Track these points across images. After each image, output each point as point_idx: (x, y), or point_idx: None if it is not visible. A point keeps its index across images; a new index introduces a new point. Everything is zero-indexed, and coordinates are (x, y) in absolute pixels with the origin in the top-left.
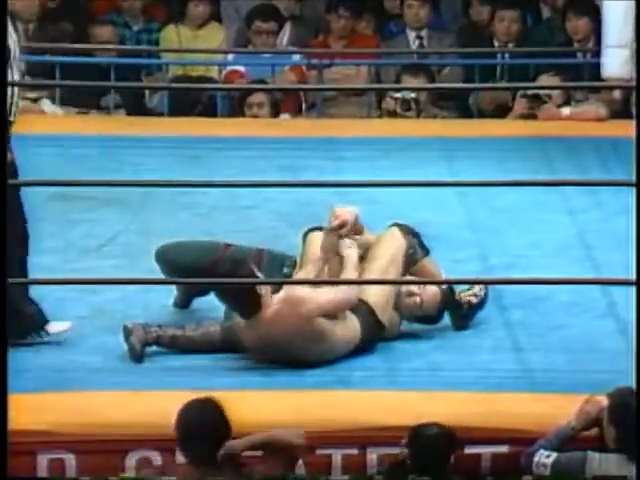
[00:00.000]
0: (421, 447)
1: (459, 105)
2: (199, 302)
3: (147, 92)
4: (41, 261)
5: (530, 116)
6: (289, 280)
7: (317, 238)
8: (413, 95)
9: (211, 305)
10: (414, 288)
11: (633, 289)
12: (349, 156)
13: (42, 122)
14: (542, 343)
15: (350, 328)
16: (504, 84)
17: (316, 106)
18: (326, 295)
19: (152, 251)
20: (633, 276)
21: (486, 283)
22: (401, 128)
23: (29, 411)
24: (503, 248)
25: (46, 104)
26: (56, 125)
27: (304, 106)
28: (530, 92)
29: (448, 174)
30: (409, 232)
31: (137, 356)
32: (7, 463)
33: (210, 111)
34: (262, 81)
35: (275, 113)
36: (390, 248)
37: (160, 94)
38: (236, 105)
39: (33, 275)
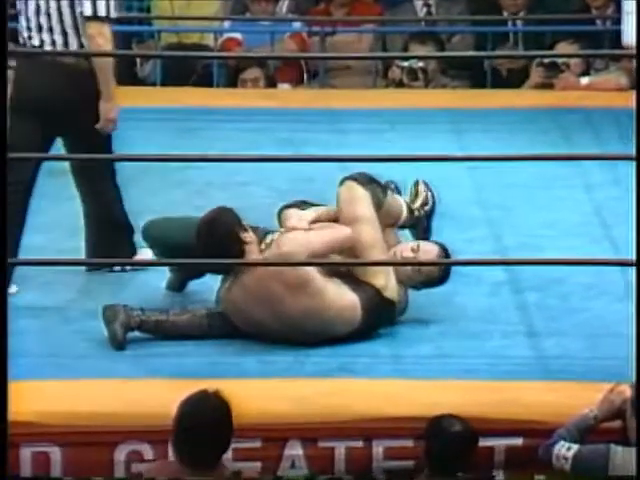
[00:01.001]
0: (442, 443)
1: (471, 74)
2: (195, 284)
3: (138, 61)
4: (29, 240)
5: (547, 86)
6: (284, 262)
7: (293, 213)
8: (421, 64)
9: (208, 287)
10: (408, 251)
11: (633, 270)
12: (353, 129)
13: None
14: (557, 328)
15: (347, 299)
16: (519, 52)
17: (318, 76)
18: (318, 237)
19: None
20: (633, 257)
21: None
22: (408, 99)
23: (10, 401)
24: (516, 227)
25: None
26: None
27: (305, 76)
28: (547, 61)
29: (458, 148)
30: (366, 181)
31: (119, 342)
32: (7, 463)
33: (205, 81)
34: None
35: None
36: (359, 208)
37: (152, 63)
38: (232, 75)
39: (21, 254)
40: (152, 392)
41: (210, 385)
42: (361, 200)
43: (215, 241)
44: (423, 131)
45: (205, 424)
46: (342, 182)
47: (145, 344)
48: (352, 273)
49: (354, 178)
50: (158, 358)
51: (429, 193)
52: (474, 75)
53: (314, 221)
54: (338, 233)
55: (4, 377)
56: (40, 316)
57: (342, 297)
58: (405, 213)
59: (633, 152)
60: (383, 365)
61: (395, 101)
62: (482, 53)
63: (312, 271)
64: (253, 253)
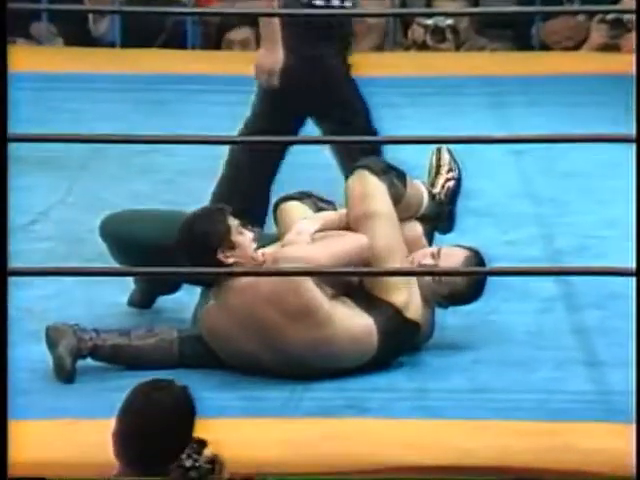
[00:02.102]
0: None
1: (514, 34)
2: (165, 300)
3: (91, 17)
4: None
5: (611, 47)
6: (280, 271)
7: (293, 208)
8: (449, 21)
9: (181, 304)
10: (427, 258)
11: (633, 280)
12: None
13: None
14: (623, 356)
15: (360, 325)
16: (575, 7)
17: None
18: (326, 252)
19: (97, 230)
20: (633, 266)
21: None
22: (434, 65)
23: None
24: (571, 226)
25: None
26: None
27: None
28: (611, 17)
29: (498, 126)
30: (381, 170)
31: (66, 374)
32: (7, 463)
33: (177, 42)
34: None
35: None
36: (374, 204)
37: (109, 19)
38: (212, 36)
39: None
40: (105, 435)
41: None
42: (376, 194)
43: (198, 247)
44: (453, 105)
45: (162, 417)
46: (352, 171)
47: (100, 375)
48: (365, 288)
49: (367, 166)
50: (116, 393)
51: (454, 164)
52: (518, 35)
53: (320, 231)
54: (352, 244)
55: (4, 380)
56: None
57: (355, 322)
58: (426, 201)
59: (633, 133)
60: (403, 401)
61: (417, 67)
62: (527, 8)
63: (318, 297)
64: (245, 264)
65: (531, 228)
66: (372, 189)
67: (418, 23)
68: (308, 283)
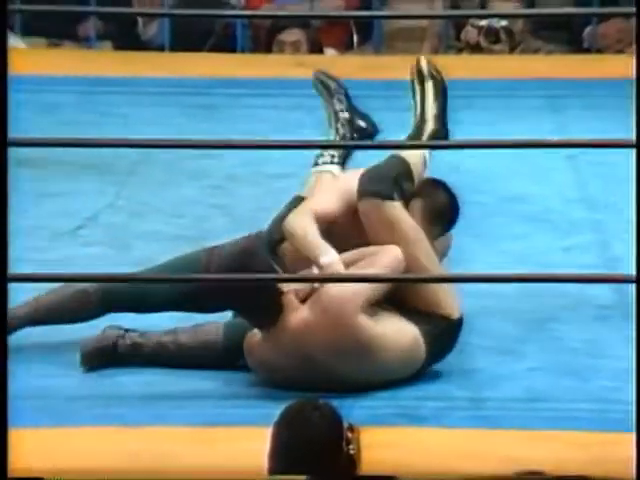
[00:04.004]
0: None
1: (571, 36)
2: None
3: (140, 19)
4: None
5: None
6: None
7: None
8: (504, 23)
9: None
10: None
11: (633, 287)
12: None
13: None
14: None
15: (408, 336)
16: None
17: (372, 39)
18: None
19: (146, 235)
20: (633, 273)
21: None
22: (487, 67)
23: None
24: (628, 232)
25: None
26: (17, 62)
27: (355, 39)
28: None
29: (554, 130)
30: (388, 186)
31: (90, 360)
32: (7, 464)
33: (227, 45)
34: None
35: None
36: (397, 234)
37: (159, 22)
38: (262, 39)
39: None
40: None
41: (228, 435)
42: (394, 221)
43: (249, 286)
44: (509, 109)
45: (319, 438)
46: (359, 199)
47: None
48: (403, 297)
49: (374, 193)
50: (161, 401)
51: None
52: (574, 37)
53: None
54: (388, 262)
55: (4, 380)
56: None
57: (403, 337)
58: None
59: (633, 138)
60: (457, 410)
61: (470, 70)
62: (584, 10)
63: (371, 328)
64: (292, 304)
65: (587, 234)
66: (389, 219)
67: (472, 24)
68: (361, 318)
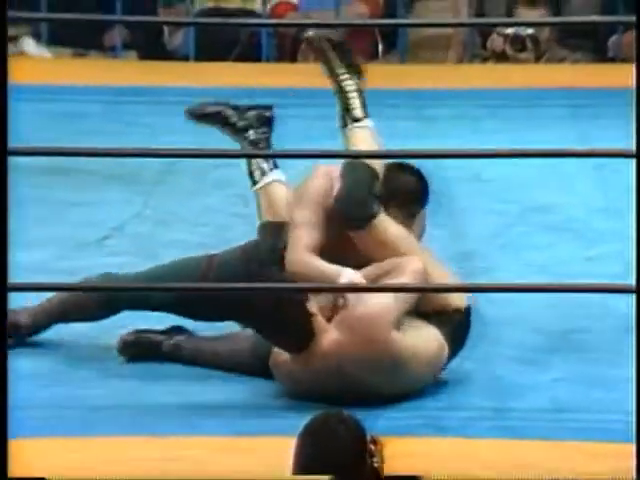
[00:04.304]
0: None
1: (596, 45)
2: None
3: (166, 29)
4: (26, 257)
5: None
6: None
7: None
8: (530, 31)
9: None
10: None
11: (633, 297)
12: (442, 115)
13: (24, 68)
14: None
15: (433, 342)
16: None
17: (397, 48)
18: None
19: (172, 244)
20: (633, 283)
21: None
22: (513, 76)
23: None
24: None
25: (29, 44)
26: (43, 72)
27: (381, 48)
28: None
29: (578, 139)
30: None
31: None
32: (7, 463)
33: (252, 55)
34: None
35: None
36: (396, 245)
37: (184, 32)
38: (287, 48)
39: (15, 276)
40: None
41: (256, 445)
42: (387, 236)
43: (282, 314)
44: (533, 118)
45: (338, 451)
46: (346, 226)
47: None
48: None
49: (359, 218)
50: (190, 410)
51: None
52: (600, 46)
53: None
54: (412, 276)
55: (4, 381)
56: (47, 355)
57: (430, 342)
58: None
59: (633, 148)
60: (483, 421)
61: (496, 79)
62: (609, 18)
63: (402, 342)
64: (322, 326)
65: (612, 244)
66: (379, 235)
67: (497, 32)
68: (393, 334)
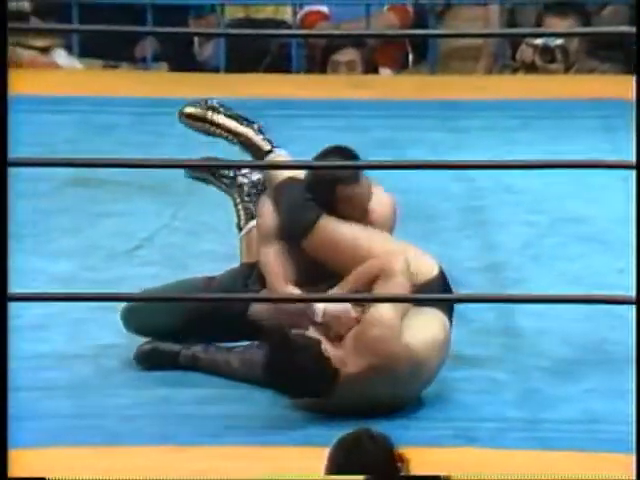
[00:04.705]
0: None
1: (626, 56)
2: None
3: (196, 40)
4: (55, 267)
5: None
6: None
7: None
8: (559, 42)
9: None
10: None
11: (633, 308)
12: (473, 126)
13: (55, 79)
14: None
15: (440, 327)
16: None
17: (428, 58)
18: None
19: (202, 255)
20: (633, 294)
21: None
22: (544, 88)
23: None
24: None
25: (60, 55)
26: (74, 83)
27: (411, 59)
28: None
29: (610, 151)
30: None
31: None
32: (7, 463)
33: (282, 65)
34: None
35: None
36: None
37: (214, 43)
38: (317, 59)
39: (44, 286)
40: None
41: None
42: (336, 236)
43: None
44: (564, 129)
45: (368, 467)
46: (298, 240)
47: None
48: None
49: (302, 227)
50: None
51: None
52: (629, 56)
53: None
54: (401, 276)
55: (3, 379)
56: (71, 366)
57: (436, 327)
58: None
59: (633, 160)
60: (514, 432)
61: (525, 90)
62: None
63: (415, 340)
64: (337, 361)
65: None
66: (329, 237)
67: (527, 43)
68: (405, 337)
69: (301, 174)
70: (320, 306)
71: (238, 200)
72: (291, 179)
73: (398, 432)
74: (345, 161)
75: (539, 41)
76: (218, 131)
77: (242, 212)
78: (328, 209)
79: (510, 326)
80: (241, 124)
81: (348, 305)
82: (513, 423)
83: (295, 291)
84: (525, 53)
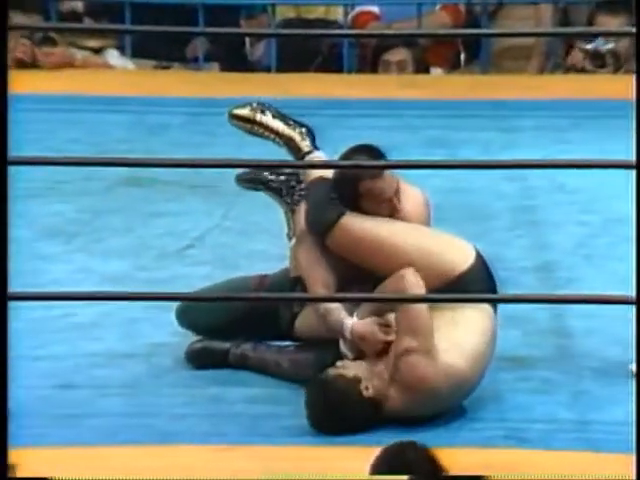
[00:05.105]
0: None
1: None
2: None
3: (248, 41)
4: (106, 267)
5: None
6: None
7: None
8: (610, 46)
9: None
10: None
11: (633, 308)
12: (524, 125)
13: (107, 79)
14: None
15: (483, 319)
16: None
17: (480, 58)
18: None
19: (253, 255)
20: (633, 294)
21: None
22: (595, 87)
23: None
24: None
25: (113, 56)
26: (126, 84)
27: (463, 58)
28: None
29: None
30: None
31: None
32: (7, 463)
33: (333, 65)
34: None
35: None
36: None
37: (265, 43)
38: (368, 59)
39: (95, 286)
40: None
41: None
42: (361, 234)
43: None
44: (615, 128)
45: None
46: (323, 238)
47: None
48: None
49: (326, 224)
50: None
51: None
52: None
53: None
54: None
55: (4, 376)
56: (124, 365)
57: (481, 323)
58: None
59: (633, 159)
60: (564, 433)
61: (578, 90)
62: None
63: (459, 361)
64: (377, 399)
65: None
66: (354, 234)
67: (579, 48)
68: (443, 359)
69: (331, 173)
70: (348, 322)
71: (287, 208)
72: (321, 178)
73: (448, 433)
74: (371, 160)
75: (590, 46)
76: (266, 133)
77: (291, 221)
78: (352, 206)
79: (561, 326)
80: (288, 125)
81: (375, 327)
82: (563, 424)
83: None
84: (575, 58)
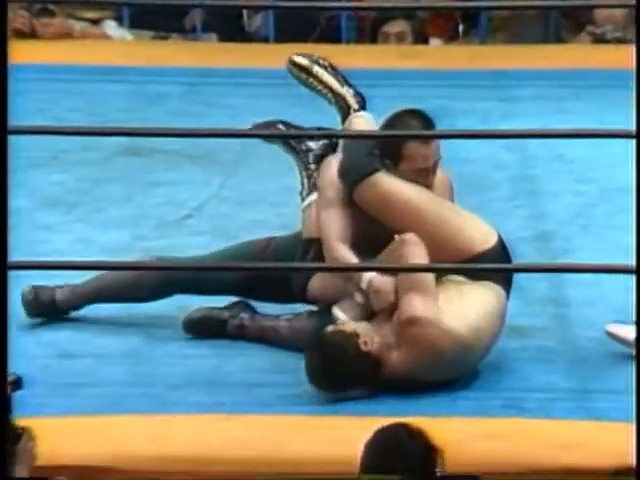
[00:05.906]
0: None
1: None
2: None
3: (245, 12)
4: (105, 236)
5: None
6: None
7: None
8: (618, 34)
9: None
10: None
11: (633, 277)
12: (524, 95)
13: (106, 50)
14: None
15: (493, 296)
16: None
17: (479, 28)
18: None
19: (251, 225)
20: (633, 263)
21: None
22: (595, 57)
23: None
24: None
25: (111, 27)
26: (124, 54)
27: (461, 28)
28: None
29: None
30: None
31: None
32: (7, 462)
33: (331, 36)
34: None
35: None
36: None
37: (263, 13)
38: (367, 30)
39: (95, 255)
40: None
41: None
42: (390, 192)
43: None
44: (616, 98)
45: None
46: (350, 188)
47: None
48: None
49: (357, 175)
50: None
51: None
52: None
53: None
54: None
55: (4, 372)
56: (124, 334)
57: (483, 305)
58: None
59: (633, 129)
60: (564, 402)
61: (577, 60)
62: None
63: (465, 329)
64: (377, 354)
65: None
66: (383, 191)
67: (587, 31)
68: (452, 330)
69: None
70: (367, 274)
71: (302, 167)
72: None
73: (447, 403)
74: (417, 124)
75: (599, 31)
76: (319, 87)
77: (306, 181)
78: (391, 166)
79: (560, 296)
80: (341, 84)
81: (390, 285)
82: (562, 393)
83: (349, 253)
84: (582, 41)
